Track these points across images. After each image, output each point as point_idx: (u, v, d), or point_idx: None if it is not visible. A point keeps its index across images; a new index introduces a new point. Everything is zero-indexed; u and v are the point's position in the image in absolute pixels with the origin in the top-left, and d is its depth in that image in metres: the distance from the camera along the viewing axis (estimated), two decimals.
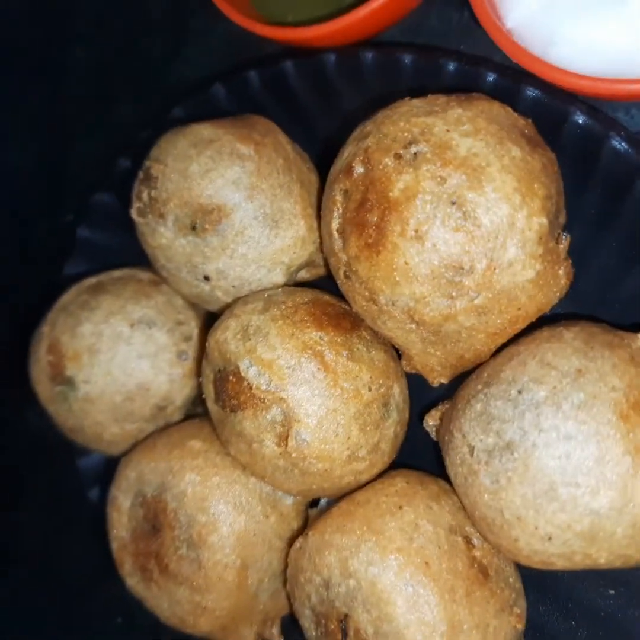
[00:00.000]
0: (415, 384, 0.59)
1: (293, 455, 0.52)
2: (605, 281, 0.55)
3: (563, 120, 0.52)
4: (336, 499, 0.57)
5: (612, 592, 0.55)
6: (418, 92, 0.55)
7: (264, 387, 0.52)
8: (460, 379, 0.55)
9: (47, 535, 0.89)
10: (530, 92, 0.53)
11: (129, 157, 0.74)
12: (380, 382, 0.54)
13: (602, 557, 0.44)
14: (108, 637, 0.84)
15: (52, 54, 0.90)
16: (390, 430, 0.55)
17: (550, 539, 0.44)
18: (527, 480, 0.43)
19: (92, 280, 0.67)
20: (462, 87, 0.56)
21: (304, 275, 0.63)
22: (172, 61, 0.82)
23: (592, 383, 0.43)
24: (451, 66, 0.56)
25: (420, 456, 0.59)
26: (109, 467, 0.76)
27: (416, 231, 0.46)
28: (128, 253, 0.74)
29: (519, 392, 0.45)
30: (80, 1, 0.88)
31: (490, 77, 0.54)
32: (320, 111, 0.64)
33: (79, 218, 0.80)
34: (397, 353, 0.58)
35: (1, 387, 0.93)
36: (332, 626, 0.51)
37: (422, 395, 0.60)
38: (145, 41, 0.84)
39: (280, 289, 0.58)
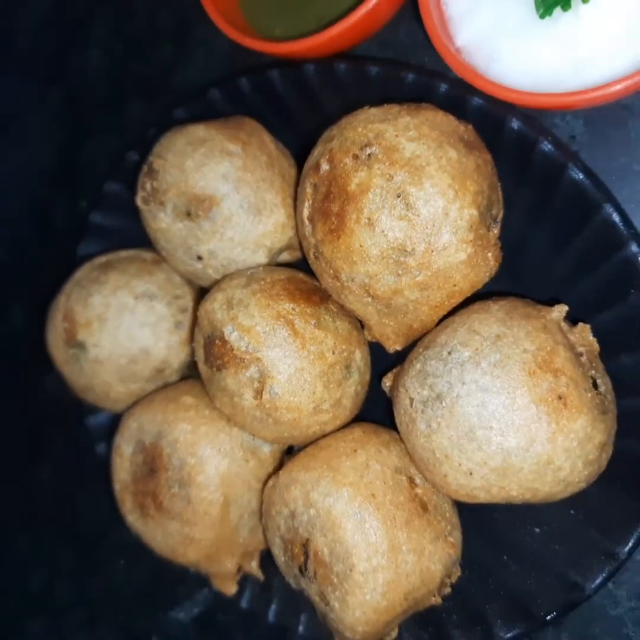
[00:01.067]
0: (379, 352, 0.68)
1: (267, 406, 0.61)
2: (538, 265, 0.63)
3: (502, 127, 0.61)
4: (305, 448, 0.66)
5: (537, 530, 0.64)
6: (382, 99, 0.64)
7: (243, 349, 0.61)
8: (413, 347, 0.65)
9: (62, 488, 1.00)
10: (475, 101, 0.62)
11: (136, 152, 0.84)
12: (343, 347, 0.64)
13: (514, 490, 0.53)
14: (113, 576, 0.95)
15: (70, 58, 0.99)
16: (351, 389, 0.65)
17: (471, 473, 0.53)
18: (452, 424, 0.53)
19: (102, 259, 0.77)
20: (420, 95, 0.65)
21: (285, 257, 0.73)
22: (178, 66, 0.92)
23: (507, 346, 0.52)
24: (410, 78, 0.65)
25: (381, 413, 0.69)
26: (114, 425, 0.87)
27: (368, 219, 0.55)
28: (134, 236, 0.84)
29: (449, 353, 0.54)
30: (96, 11, 0.98)
31: (443, 88, 0.63)
32: (302, 113, 0.73)
33: (93, 205, 0.90)
34: (361, 325, 0.67)
35: (23, 357, 1.04)
36: (296, 550, 0.61)
37: (385, 362, 0.69)
38: (154, 48, 0.93)
39: (261, 268, 0.67)
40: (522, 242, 0.63)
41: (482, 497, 0.55)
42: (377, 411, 0.69)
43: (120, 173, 0.85)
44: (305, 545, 0.60)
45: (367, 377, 0.67)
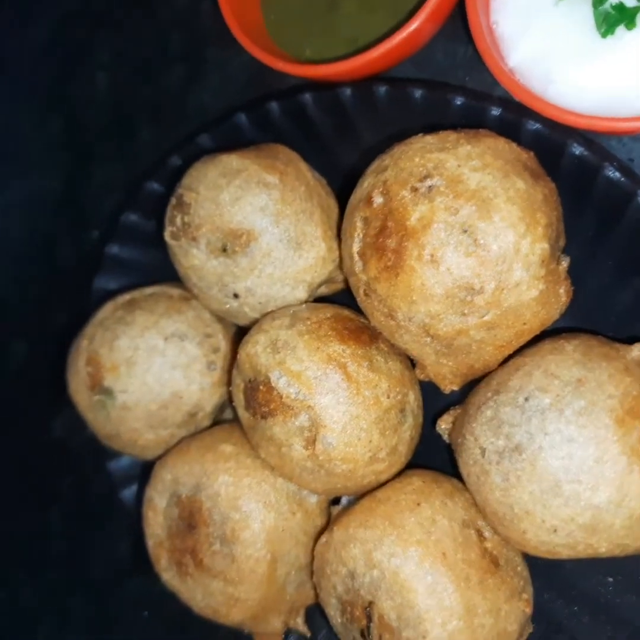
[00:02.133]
0: (429, 390, 0.64)
1: (320, 457, 0.57)
2: (601, 297, 0.60)
3: (562, 152, 0.57)
4: (357, 497, 0.62)
5: (610, 579, 0.60)
6: (429, 125, 0.61)
7: (293, 396, 0.57)
8: (470, 386, 0.61)
9: (75, 536, 0.94)
10: (531, 125, 0.58)
11: (155, 180, 0.79)
12: (397, 389, 0.59)
13: (603, 547, 0.49)
14: (135, 629, 0.89)
15: (74, 84, 0.94)
16: (407, 434, 0.60)
17: (555, 531, 0.49)
18: (534, 478, 0.48)
19: (126, 297, 0.72)
20: (468, 120, 0.61)
21: (323, 290, 0.69)
22: (190, 89, 0.87)
23: (591, 391, 0.48)
24: (458, 101, 0.61)
25: (433, 457, 0.64)
26: (135, 469, 0.82)
27: (432, 256, 0.51)
28: (152, 268, 0.80)
29: (526, 399, 0.50)
30: (100, 31, 0.93)
31: (495, 112, 0.59)
32: (337, 140, 0.69)
33: (106, 236, 0.85)
34: (411, 362, 0.63)
35: (32, 394, 0.98)
36: (358, 613, 0.56)
37: (435, 401, 0.65)
38: (164, 71, 0.89)
39: (304, 305, 0.63)
40: (583, 274, 0.60)
41: (566, 554, 0.51)
42: (427, 455, 0.65)
43: (137, 203, 0.81)
44: (368, 608, 0.55)
45: (420, 419, 0.63)
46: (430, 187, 0.51)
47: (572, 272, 0.57)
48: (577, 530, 0.48)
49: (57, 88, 0.96)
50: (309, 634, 0.69)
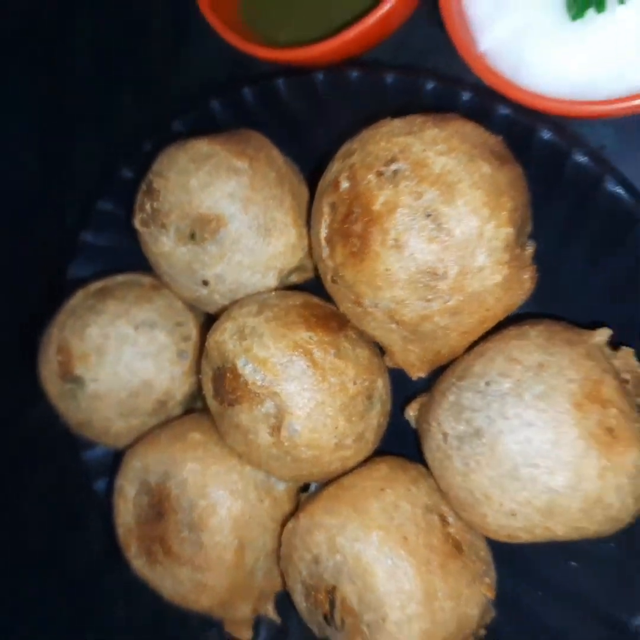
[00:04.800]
0: (397, 378, 0.64)
1: (285, 444, 0.57)
2: (569, 283, 0.60)
3: (531, 137, 0.57)
4: (325, 484, 0.62)
5: (574, 564, 0.61)
6: (401, 110, 0.60)
7: (259, 383, 0.56)
8: (438, 373, 0.61)
9: (51, 527, 0.93)
10: (502, 110, 0.58)
11: (130, 167, 0.79)
12: (365, 377, 0.59)
13: (560, 530, 0.49)
14: (112, 620, 0.89)
15: (55, 60, 0.93)
16: (374, 421, 0.60)
17: (514, 514, 0.49)
18: (494, 462, 0.48)
19: (97, 285, 0.72)
20: (440, 104, 0.61)
21: (294, 278, 0.68)
22: (172, 69, 0.86)
23: (551, 376, 0.48)
24: (429, 86, 0.61)
25: (402, 443, 0.64)
26: (110, 459, 0.81)
27: (396, 241, 0.51)
28: (128, 257, 0.79)
29: (487, 384, 0.50)
30: (83, 11, 0.92)
31: (466, 97, 0.59)
32: (309, 125, 0.69)
33: (82, 222, 0.84)
34: (380, 350, 0.63)
35: (4, 385, 0.97)
36: (321, 597, 0.56)
37: (404, 388, 0.65)
38: (146, 50, 0.88)
39: (273, 293, 0.63)
40: (554, 261, 0.59)
41: (525, 538, 0.51)
42: (397, 441, 0.65)
43: (112, 190, 0.80)
44: (331, 592, 0.55)
45: (389, 406, 0.63)
46: (395, 171, 0.51)
47: (543, 258, 0.57)
48: (535, 513, 0.48)
49: (37, 66, 0.95)
50: (279, 621, 0.69)
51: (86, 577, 0.90)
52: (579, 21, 0.53)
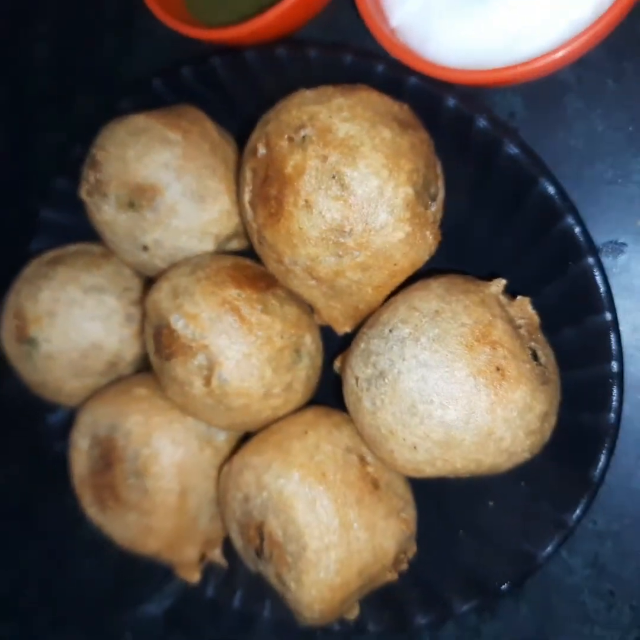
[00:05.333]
0: (331, 334, 0.69)
1: (217, 393, 0.61)
2: (479, 241, 0.64)
3: (439, 105, 0.61)
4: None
5: (491, 503, 0.66)
6: (323, 82, 0.65)
7: (190, 337, 0.61)
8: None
9: (24, 488, 0.99)
10: (412, 81, 0.62)
11: (82, 145, 0.83)
12: (292, 331, 0.64)
13: (458, 462, 0.54)
14: (81, 575, 0.94)
15: (15, 51, 0.98)
16: (302, 373, 0.65)
17: (415, 448, 0.54)
18: (395, 400, 0.53)
19: (50, 254, 0.77)
20: (357, 77, 0.65)
21: (234, 245, 0.73)
22: (123, 57, 0.91)
23: (446, 321, 0.53)
24: (348, 60, 0.65)
25: (336, 397, 0.69)
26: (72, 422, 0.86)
27: (306, 201, 0.55)
28: (86, 231, 0.83)
29: (390, 331, 0.55)
30: (42, 2, 0.96)
31: (380, 69, 0.63)
32: (244, 100, 0.73)
33: (42, 201, 0.89)
34: (311, 309, 0.68)
35: None
36: (252, 533, 0.61)
37: (338, 345, 0.69)
38: (99, 40, 0.92)
39: (208, 255, 0.67)
40: (464, 221, 0.64)
41: (429, 471, 0.55)
42: (332, 395, 0.70)
43: (67, 168, 0.85)
44: (260, 527, 0.61)
45: (319, 361, 0.68)
46: (304, 137, 0.55)
47: (453, 220, 0.62)
48: (434, 446, 0.53)
49: (1, 56, 0.99)
50: (226, 565, 0.75)
51: (60, 530, 0.96)
52: None
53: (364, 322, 0.64)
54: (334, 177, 0.54)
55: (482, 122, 0.60)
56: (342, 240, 0.56)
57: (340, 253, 0.56)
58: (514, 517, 0.65)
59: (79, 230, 0.84)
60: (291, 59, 0.68)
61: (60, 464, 0.88)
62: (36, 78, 0.98)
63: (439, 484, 0.60)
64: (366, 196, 0.54)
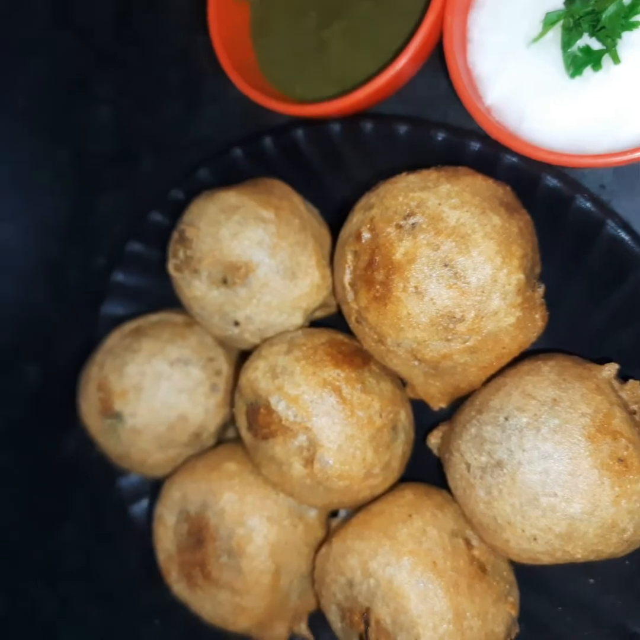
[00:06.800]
0: (420, 406, 0.68)
1: (318, 476, 0.61)
2: (575, 319, 0.64)
3: (536, 184, 0.61)
4: (354, 510, 0.66)
5: (591, 581, 0.65)
6: (410, 157, 0.65)
7: (291, 419, 0.61)
8: (458, 402, 0.65)
9: (90, 550, 0.98)
10: (508, 159, 0.62)
11: (157, 211, 0.84)
12: (389, 408, 0.64)
13: (578, 553, 0.53)
14: (147, 637, 0.93)
15: (77, 115, 0.99)
16: (399, 449, 0.65)
17: (535, 539, 0.53)
18: (515, 491, 0.52)
19: (132, 325, 0.77)
20: (450, 154, 0.65)
21: (318, 314, 0.73)
22: (189, 122, 0.91)
23: (565, 410, 0.53)
24: (440, 137, 0.65)
25: (425, 470, 0.68)
26: (145, 486, 0.86)
27: (416, 288, 0.55)
28: (157, 295, 0.84)
29: (506, 418, 0.54)
30: (102, 66, 0.97)
31: (474, 147, 0.64)
32: (328, 173, 0.73)
33: (112, 264, 0.89)
34: (402, 382, 0.67)
35: (40, 416, 1.02)
36: (356, 618, 0.60)
37: (426, 416, 0.69)
38: (164, 104, 0.93)
39: (300, 331, 0.67)
40: (558, 297, 0.64)
41: (546, 560, 0.55)
42: (420, 467, 0.69)
43: (141, 233, 0.85)
44: (366, 614, 0.60)
45: (412, 435, 0.67)
46: (413, 225, 0.55)
47: (548, 296, 0.61)
48: (555, 539, 0.52)
49: (61, 119, 1.00)
50: (312, 639, 0.73)
51: (122, 595, 0.95)
52: (577, 78, 0.58)
53: (460, 398, 0.64)
54: (446, 265, 0.54)
55: (583, 202, 0.60)
56: (452, 326, 0.55)
57: (450, 337, 0.56)
58: (617, 595, 0.63)
59: (151, 295, 0.85)
60: (378, 134, 0.68)
61: (128, 528, 0.88)
62: (97, 140, 0.98)
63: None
64: (480, 284, 0.54)
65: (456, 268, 0.54)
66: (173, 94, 0.92)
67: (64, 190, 0.99)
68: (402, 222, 0.56)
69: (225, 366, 0.75)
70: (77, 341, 0.89)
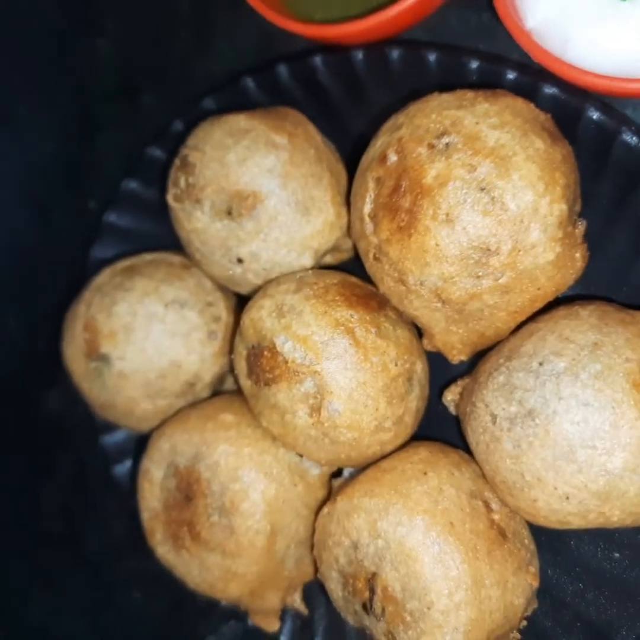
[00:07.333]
0: (434, 364, 0.63)
1: (325, 425, 0.55)
2: (616, 265, 0.58)
3: (579, 117, 0.56)
4: (359, 470, 0.60)
5: (617, 555, 0.59)
6: (441, 89, 0.59)
7: (299, 361, 0.55)
8: (477, 359, 0.59)
9: (69, 511, 0.92)
10: (548, 89, 0.57)
11: (157, 147, 0.77)
12: (405, 358, 0.58)
13: (615, 516, 0.48)
14: (131, 608, 0.87)
15: (76, 47, 0.92)
16: (413, 404, 0.59)
17: (567, 498, 0.47)
18: (548, 444, 0.47)
19: (125, 263, 0.70)
20: (484, 84, 0.59)
21: (329, 259, 0.67)
22: (196, 56, 0.85)
23: (607, 355, 0.47)
24: (474, 64, 0.59)
25: (438, 431, 0.63)
26: (130, 444, 0.80)
27: (447, 215, 0.49)
28: (152, 238, 0.78)
29: (540, 364, 0.49)
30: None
31: (511, 75, 0.58)
32: (347, 105, 0.67)
33: (105, 204, 0.83)
34: (419, 333, 0.62)
35: (21, 368, 0.95)
36: (360, 585, 0.54)
37: (440, 375, 0.63)
38: (169, 36, 0.86)
39: (310, 271, 0.61)
40: (598, 242, 0.58)
41: (576, 524, 0.49)
42: (432, 428, 0.63)
43: (138, 170, 0.79)
44: (372, 579, 0.54)
45: (427, 391, 0.61)
46: (447, 144, 0.50)
47: (588, 238, 0.56)
48: (590, 497, 0.47)
49: (58, 50, 0.93)
50: (306, 612, 0.68)
51: (105, 561, 0.88)
52: (627, 0, 0.52)
53: (480, 352, 0.59)
54: (483, 189, 0.48)
55: (629, 137, 0.54)
56: (485, 259, 0.50)
57: (480, 274, 0.51)
58: None
59: (146, 238, 0.79)
60: (406, 63, 0.63)
61: (112, 489, 0.82)
62: (97, 73, 0.92)
63: (558, 530, 0.54)
64: (519, 212, 0.48)
65: (494, 193, 0.48)
66: (181, 25, 0.85)
67: (55, 128, 0.92)
68: (434, 142, 0.50)
69: (224, 313, 0.69)
70: (63, 288, 0.82)
